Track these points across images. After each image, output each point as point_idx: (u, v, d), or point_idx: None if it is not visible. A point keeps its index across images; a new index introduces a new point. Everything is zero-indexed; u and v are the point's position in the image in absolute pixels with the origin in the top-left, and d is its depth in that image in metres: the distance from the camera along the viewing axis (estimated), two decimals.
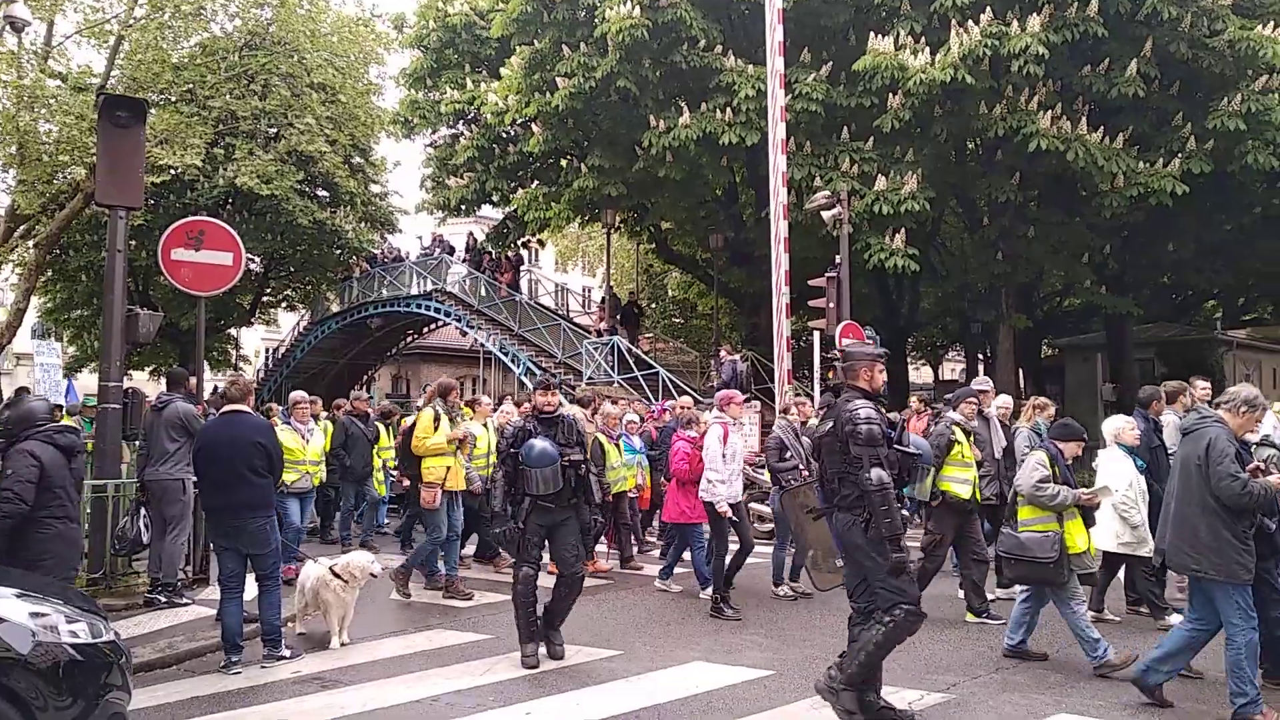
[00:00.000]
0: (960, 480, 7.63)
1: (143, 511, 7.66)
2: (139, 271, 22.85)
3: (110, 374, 8.26)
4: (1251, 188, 18.59)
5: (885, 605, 4.88)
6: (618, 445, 10.13)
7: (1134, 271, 21.85)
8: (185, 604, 7.75)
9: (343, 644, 6.80)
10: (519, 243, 25.95)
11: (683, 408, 10.33)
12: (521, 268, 27.10)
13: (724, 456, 7.89)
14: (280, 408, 12.48)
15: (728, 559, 8.07)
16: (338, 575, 6.81)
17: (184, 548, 8.10)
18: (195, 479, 6.99)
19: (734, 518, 7.91)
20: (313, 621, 7.18)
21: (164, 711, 5.39)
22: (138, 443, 8.36)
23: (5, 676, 3.82)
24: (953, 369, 41.27)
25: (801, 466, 8.39)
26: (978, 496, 7.77)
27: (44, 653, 3.96)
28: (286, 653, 6.37)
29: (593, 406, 10.73)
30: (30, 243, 17.52)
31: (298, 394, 10.25)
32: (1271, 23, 15.28)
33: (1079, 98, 16.50)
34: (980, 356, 27.64)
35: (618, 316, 22.75)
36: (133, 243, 16.03)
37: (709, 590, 8.15)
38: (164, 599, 7.75)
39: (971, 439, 7.84)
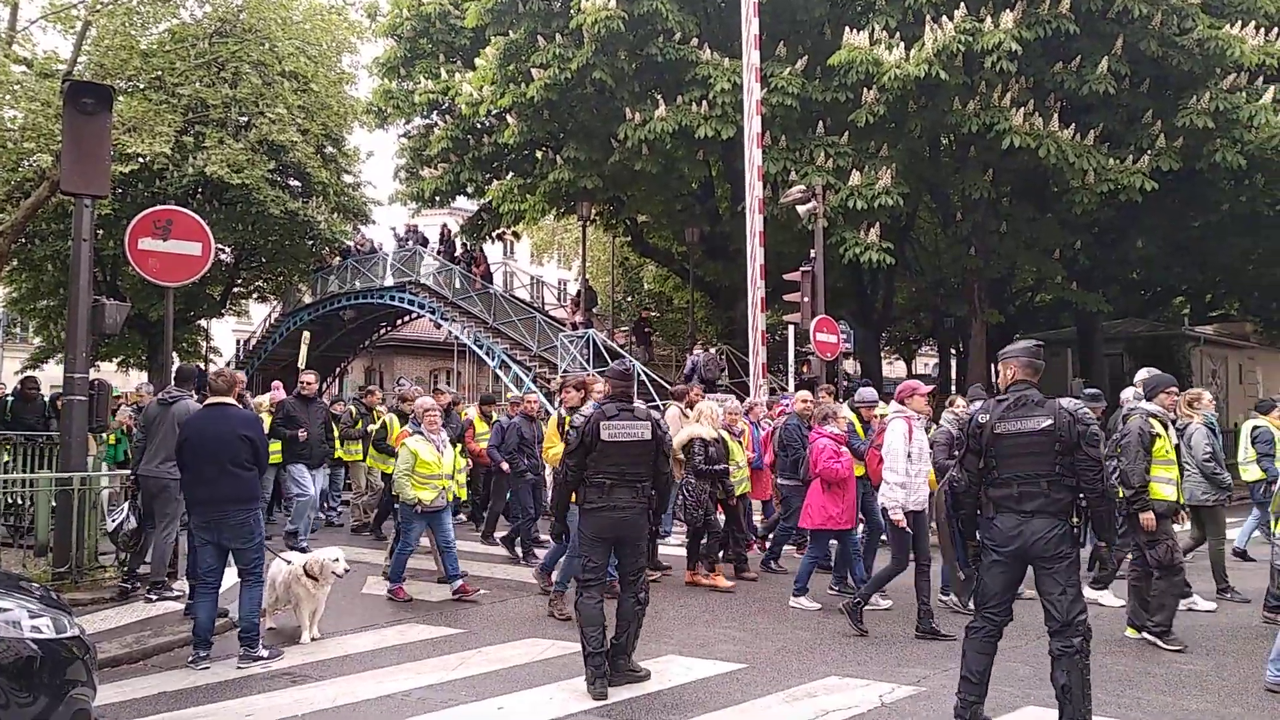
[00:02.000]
0: (1164, 480, 6.82)
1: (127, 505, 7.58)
2: (106, 261, 22.54)
3: (76, 365, 8.12)
4: (1219, 185, 18.86)
5: (1075, 619, 4.49)
6: (740, 442, 9.69)
7: (1104, 268, 22.13)
8: (176, 596, 7.61)
9: (313, 639, 6.75)
10: (494, 234, 25.82)
11: (804, 402, 9.64)
12: (490, 263, 27.01)
13: (909, 456, 7.00)
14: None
15: (874, 570, 7.61)
16: (308, 571, 6.76)
17: (171, 544, 7.97)
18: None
19: (908, 529, 7.00)
20: (283, 616, 7.12)
21: (131, 707, 5.32)
22: (126, 435, 8.22)
23: None
24: (925, 363, 41.57)
25: None
26: (1180, 498, 7.04)
27: (6, 648, 3.89)
28: (264, 653, 6.17)
29: (686, 400, 10.02)
30: None
31: (426, 401, 8.82)
32: (1239, 22, 15.53)
33: (1051, 94, 16.66)
34: (953, 351, 27.84)
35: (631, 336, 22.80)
36: (100, 232, 15.84)
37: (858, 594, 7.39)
38: (155, 596, 7.64)
39: (1169, 431, 6.99)
